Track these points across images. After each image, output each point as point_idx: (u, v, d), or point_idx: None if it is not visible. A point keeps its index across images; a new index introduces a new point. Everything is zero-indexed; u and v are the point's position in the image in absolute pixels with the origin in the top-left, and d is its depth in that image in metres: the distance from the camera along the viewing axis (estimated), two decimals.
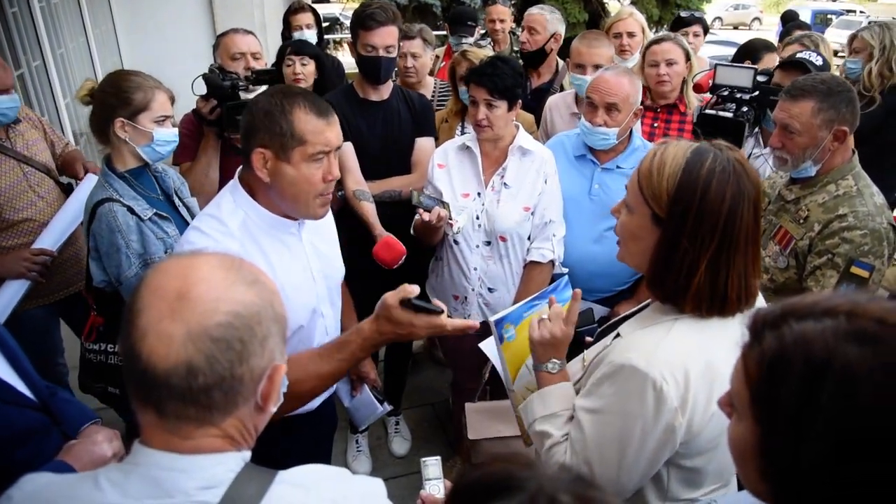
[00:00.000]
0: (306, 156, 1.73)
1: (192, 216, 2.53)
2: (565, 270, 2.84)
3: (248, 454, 1.06)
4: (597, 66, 3.35)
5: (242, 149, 1.78)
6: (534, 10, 4.21)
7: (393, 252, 2.61)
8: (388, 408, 2.52)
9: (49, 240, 2.73)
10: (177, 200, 2.53)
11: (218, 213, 1.81)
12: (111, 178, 2.31)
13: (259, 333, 0.99)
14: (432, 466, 1.59)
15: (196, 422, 0.98)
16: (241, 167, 1.86)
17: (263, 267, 1.73)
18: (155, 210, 2.34)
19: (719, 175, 1.33)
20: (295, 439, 2.08)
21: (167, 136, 2.37)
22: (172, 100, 2.40)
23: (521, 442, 2.79)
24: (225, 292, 0.97)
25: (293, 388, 1.56)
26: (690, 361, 1.34)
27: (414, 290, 1.66)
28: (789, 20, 5.55)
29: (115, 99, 2.29)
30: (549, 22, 4.12)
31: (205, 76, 2.83)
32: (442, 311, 1.68)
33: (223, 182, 2.73)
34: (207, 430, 0.99)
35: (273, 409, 1.08)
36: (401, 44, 3.56)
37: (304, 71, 3.52)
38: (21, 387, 1.60)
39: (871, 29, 3.86)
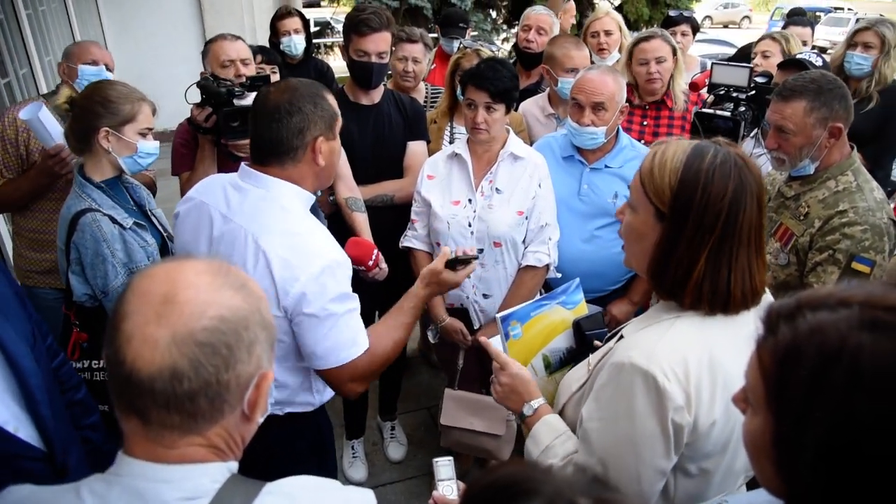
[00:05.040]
0: (337, 127, 1.91)
1: (164, 227, 2.54)
2: (559, 275, 2.83)
3: (234, 465, 1.04)
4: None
5: (288, 147, 1.83)
6: (541, 11, 4.25)
7: (363, 248, 2.54)
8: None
9: (49, 139, 2.72)
10: (148, 212, 2.52)
11: (292, 208, 1.85)
12: (88, 188, 2.28)
13: (246, 339, 0.97)
14: (445, 467, 1.58)
15: (180, 430, 0.96)
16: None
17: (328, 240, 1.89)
18: (134, 219, 2.33)
19: (720, 168, 1.34)
20: (301, 437, 2.07)
21: (149, 149, 2.39)
22: (154, 112, 2.42)
23: (489, 438, 2.82)
24: (212, 296, 0.96)
25: (387, 357, 1.93)
26: (691, 358, 1.33)
27: (449, 250, 1.99)
28: (794, 15, 5.54)
29: (101, 108, 2.28)
30: (555, 24, 4.18)
31: (199, 84, 2.78)
32: (477, 257, 1.95)
33: None
34: (192, 440, 0.98)
35: (260, 418, 1.06)
36: (402, 46, 3.55)
37: (274, 80, 3.48)
38: (26, 429, 1.55)
39: (885, 25, 3.69)
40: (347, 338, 1.80)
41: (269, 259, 1.73)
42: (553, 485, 0.76)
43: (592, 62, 3.76)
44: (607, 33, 4.09)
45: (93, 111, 2.28)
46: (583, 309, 1.93)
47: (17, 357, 1.53)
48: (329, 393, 2.07)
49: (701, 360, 1.33)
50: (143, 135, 2.35)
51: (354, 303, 1.83)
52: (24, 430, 1.54)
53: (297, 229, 1.81)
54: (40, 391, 1.57)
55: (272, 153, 1.83)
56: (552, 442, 1.55)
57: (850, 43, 3.76)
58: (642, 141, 3.27)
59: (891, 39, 3.65)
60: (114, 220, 2.24)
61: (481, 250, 1.93)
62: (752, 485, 1.33)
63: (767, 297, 1.46)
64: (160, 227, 2.51)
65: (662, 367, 1.32)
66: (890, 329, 0.81)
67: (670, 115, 3.50)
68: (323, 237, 1.83)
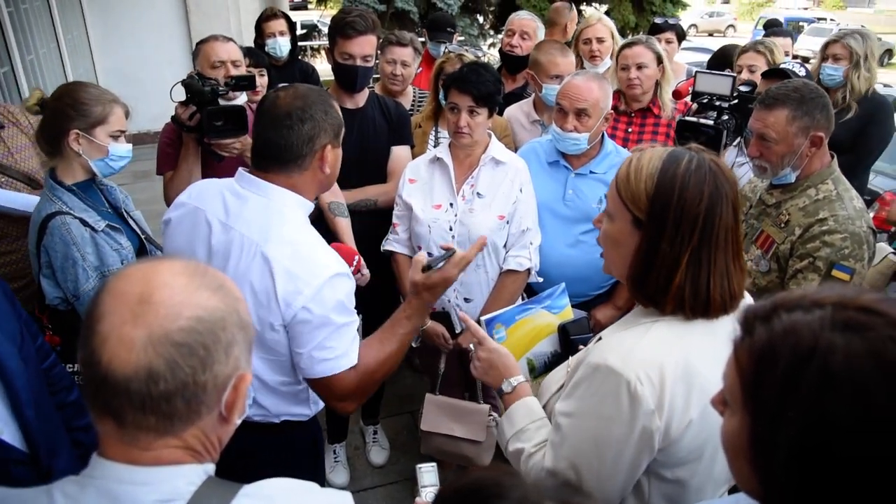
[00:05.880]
0: (342, 135, 1.89)
1: (142, 229, 2.50)
2: (540, 279, 2.83)
3: (211, 467, 1.03)
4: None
5: (296, 154, 1.79)
6: (525, 16, 4.25)
7: (344, 253, 2.48)
8: None
9: None
10: (124, 214, 2.48)
11: (294, 218, 1.82)
12: (59, 191, 2.23)
13: (223, 339, 0.97)
14: (428, 473, 1.58)
15: (156, 432, 0.96)
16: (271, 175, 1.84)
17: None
18: (107, 222, 2.29)
19: (696, 173, 1.35)
20: (292, 445, 2.07)
21: (122, 152, 2.34)
22: (127, 114, 2.37)
23: (470, 444, 2.82)
24: (188, 297, 0.95)
25: (377, 371, 1.84)
26: (667, 362, 1.33)
27: (423, 256, 1.88)
28: (771, 27, 5.65)
29: (71, 110, 2.23)
30: (539, 29, 4.18)
31: (184, 82, 2.76)
32: (454, 251, 1.86)
33: None
34: (168, 441, 0.97)
35: (238, 420, 1.05)
36: (391, 49, 3.54)
37: (262, 83, 3.46)
38: (11, 431, 1.53)
39: (853, 37, 3.78)
40: (339, 350, 1.75)
41: (273, 271, 1.70)
42: (521, 489, 0.77)
43: (583, 68, 3.77)
44: (599, 40, 4.08)
45: (63, 113, 2.24)
46: (568, 314, 1.94)
47: (2, 357, 1.51)
48: (322, 403, 2.05)
49: (677, 365, 1.33)
50: (116, 137, 2.30)
51: (352, 317, 1.79)
52: (8, 432, 1.53)
53: (301, 239, 1.78)
54: (25, 392, 1.55)
55: (278, 159, 1.79)
56: (527, 425, 1.56)
57: (823, 55, 3.85)
58: (627, 147, 3.28)
59: (859, 51, 3.73)
60: (85, 223, 2.20)
61: (452, 252, 1.86)
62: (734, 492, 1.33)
63: (747, 301, 1.47)
64: (137, 230, 2.47)
65: (637, 371, 1.32)
66: (861, 329, 0.82)
67: (656, 122, 3.51)
68: (325, 248, 1.81)
